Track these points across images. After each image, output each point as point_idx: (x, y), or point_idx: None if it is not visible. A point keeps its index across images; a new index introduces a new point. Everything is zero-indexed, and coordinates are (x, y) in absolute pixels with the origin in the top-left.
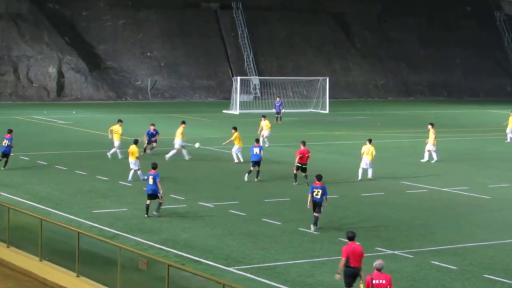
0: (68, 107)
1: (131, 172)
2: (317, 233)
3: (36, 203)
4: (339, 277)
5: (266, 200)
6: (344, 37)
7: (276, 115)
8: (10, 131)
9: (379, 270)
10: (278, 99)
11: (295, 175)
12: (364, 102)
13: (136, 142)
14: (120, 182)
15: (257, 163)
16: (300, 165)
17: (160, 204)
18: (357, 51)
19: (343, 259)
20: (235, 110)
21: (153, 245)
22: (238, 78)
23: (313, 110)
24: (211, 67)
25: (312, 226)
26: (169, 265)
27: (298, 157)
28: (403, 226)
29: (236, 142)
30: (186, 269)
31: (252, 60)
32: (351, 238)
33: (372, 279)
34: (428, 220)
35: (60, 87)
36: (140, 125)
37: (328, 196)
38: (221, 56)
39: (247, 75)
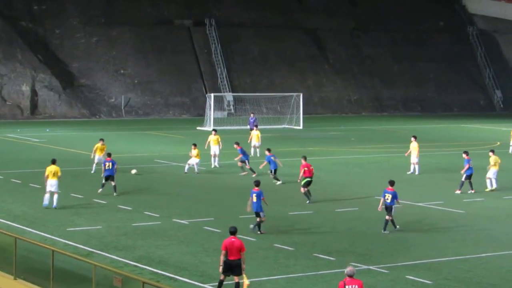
0: (42, 125)
1: (47, 196)
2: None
3: (10, 221)
4: (221, 269)
5: (241, 217)
6: (318, 52)
7: (251, 131)
8: None
9: (350, 276)
10: (252, 115)
11: (307, 192)
12: (338, 117)
13: (54, 161)
14: (95, 200)
15: (274, 170)
16: (309, 179)
17: (262, 222)
18: (331, 66)
19: (223, 252)
20: (209, 127)
21: (128, 262)
22: (212, 94)
23: (287, 126)
24: (184, 84)
25: (384, 229)
26: (144, 283)
27: (303, 171)
28: (378, 241)
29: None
30: (161, 286)
31: (226, 77)
32: (232, 232)
33: (345, 284)
34: (403, 235)
35: (34, 105)
36: (114, 143)
37: (398, 199)
38: (195, 73)
39: (220, 92)
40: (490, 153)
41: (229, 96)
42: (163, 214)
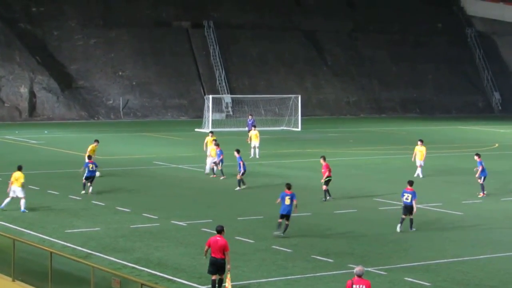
0: (40, 127)
1: (8, 200)
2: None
3: (9, 223)
4: (205, 259)
5: (239, 218)
6: (316, 54)
7: (249, 132)
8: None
9: (359, 276)
10: (250, 117)
11: (326, 191)
12: (336, 119)
13: (20, 168)
14: (93, 202)
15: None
16: (329, 178)
17: (287, 226)
18: (329, 68)
19: (206, 247)
20: (208, 129)
21: (126, 264)
22: (210, 96)
23: (285, 128)
24: (183, 86)
25: (398, 227)
26: (142, 284)
27: (327, 171)
28: (376, 243)
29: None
30: None
31: (224, 79)
32: (218, 231)
33: (352, 283)
34: (401, 237)
35: (32, 107)
36: (112, 145)
37: (416, 198)
38: (193, 75)
39: (219, 94)
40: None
41: (227, 98)
42: (161, 216)
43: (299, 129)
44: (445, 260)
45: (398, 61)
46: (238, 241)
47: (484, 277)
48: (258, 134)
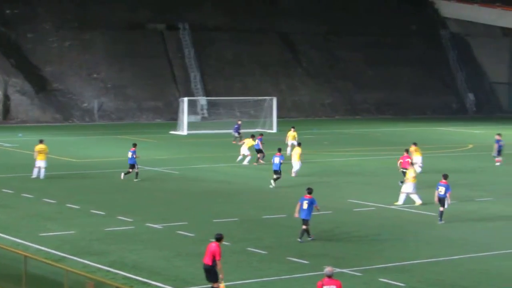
0: (14, 130)
1: None
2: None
3: None
4: None
5: (214, 221)
6: (291, 56)
7: (235, 136)
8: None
9: (329, 276)
10: (239, 122)
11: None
12: (311, 121)
13: None
14: (67, 205)
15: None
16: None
17: (305, 230)
18: (304, 70)
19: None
20: (183, 131)
21: (100, 267)
22: (185, 99)
23: (260, 130)
24: (158, 88)
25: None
26: (117, 287)
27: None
28: (351, 244)
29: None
30: None
31: (199, 81)
32: (216, 238)
33: (323, 284)
34: (376, 238)
35: (6, 109)
36: (87, 148)
37: (450, 191)
38: (168, 77)
39: (194, 96)
40: (409, 166)
41: (202, 100)
42: (136, 219)
43: (274, 131)
44: (420, 261)
45: (372, 63)
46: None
47: (458, 277)
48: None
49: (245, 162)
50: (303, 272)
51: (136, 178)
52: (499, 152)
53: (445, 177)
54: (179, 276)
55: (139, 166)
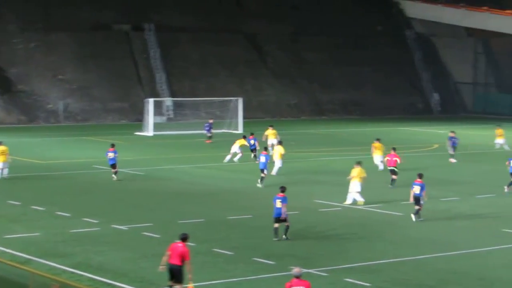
0: None
1: None
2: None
3: None
4: (160, 268)
5: (180, 222)
6: (257, 57)
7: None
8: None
9: (298, 277)
10: (210, 121)
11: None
12: (277, 121)
13: None
14: (32, 207)
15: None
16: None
17: (288, 227)
18: (270, 71)
19: (166, 253)
20: (148, 132)
21: (66, 269)
22: (151, 99)
23: (226, 131)
24: (123, 89)
25: (413, 216)
26: None
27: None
28: (318, 244)
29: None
30: None
31: (165, 82)
32: (181, 239)
33: (291, 285)
34: (342, 238)
35: None
36: (52, 149)
37: (425, 190)
38: (133, 78)
39: (159, 97)
40: (355, 165)
41: (168, 101)
42: (101, 220)
43: (240, 131)
44: (386, 261)
45: (338, 64)
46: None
47: (424, 277)
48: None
49: (236, 159)
50: (269, 273)
51: (115, 177)
52: (454, 149)
53: (420, 176)
54: (145, 278)
55: (104, 168)
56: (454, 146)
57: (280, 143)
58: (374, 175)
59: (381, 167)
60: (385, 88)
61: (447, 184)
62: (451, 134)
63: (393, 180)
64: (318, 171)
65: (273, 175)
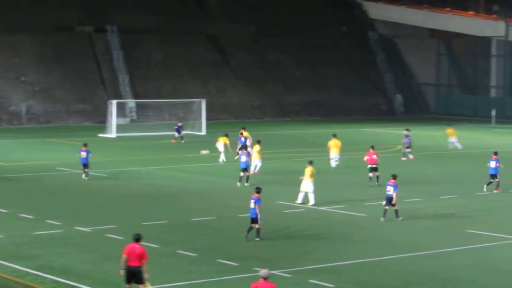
0: None
1: None
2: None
3: None
4: (122, 272)
5: (143, 224)
6: (220, 58)
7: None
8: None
9: (265, 279)
10: (179, 123)
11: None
12: (241, 123)
13: None
14: None
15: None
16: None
17: (259, 229)
18: (233, 72)
19: (124, 257)
20: (111, 134)
21: (29, 271)
22: (114, 101)
23: (190, 132)
24: (86, 91)
25: (382, 218)
26: None
27: (366, 158)
28: (281, 245)
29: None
30: None
31: (128, 83)
32: (136, 239)
33: (257, 287)
34: (306, 239)
35: None
36: (15, 151)
37: (397, 191)
38: (97, 80)
39: (123, 98)
40: (308, 165)
41: (131, 102)
42: (65, 222)
43: (204, 133)
44: (349, 262)
45: (301, 65)
46: (143, 246)
47: (388, 277)
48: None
49: (220, 160)
50: (233, 274)
51: (87, 177)
52: (409, 147)
53: (394, 177)
54: (108, 280)
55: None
56: (410, 143)
57: (258, 142)
58: (338, 176)
59: (333, 164)
60: (348, 89)
61: (410, 185)
62: (406, 133)
63: (376, 177)
64: (281, 172)
65: (255, 174)
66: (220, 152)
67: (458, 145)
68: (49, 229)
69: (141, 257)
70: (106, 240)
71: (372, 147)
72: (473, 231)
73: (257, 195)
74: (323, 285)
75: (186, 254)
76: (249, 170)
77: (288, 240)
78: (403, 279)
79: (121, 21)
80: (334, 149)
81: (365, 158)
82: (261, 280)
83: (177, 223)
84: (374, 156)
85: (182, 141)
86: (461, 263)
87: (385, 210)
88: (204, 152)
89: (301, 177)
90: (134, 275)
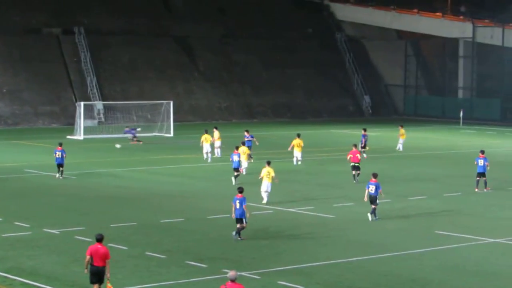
0: None
1: None
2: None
3: None
4: (86, 271)
5: (112, 225)
6: (187, 60)
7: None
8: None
9: (233, 280)
10: (128, 128)
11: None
12: (209, 124)
13: None
14: None
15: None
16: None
17: (243, 228)
18: (200, 74)
19: (87, 257)
20: (80, 136)
21: None
22: (82, 103)
23: (157, 134)
24: (54, 93)
25: (369, 216)
26: None
27: (349, 157)
28: (250, 247)
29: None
30: None
31: (96, 85)
32: (98, 240)
33: None
34: (274, 241)
35: None
36: None
37: (381, 189)
38: (64, 82)
39: (90, 100)
40: (266, 165)
41: (99, 104)
42: (33, 224)
43: (172, 135)
44: (318, 263)
45: (269, 67)
46: (111, 248)
47: (356, 279)
48: (218, 135)
49: (209, 160)
50: (201, 276)
51: (61, 176)
52: (364, 146)
53: (375, 176)
54: (77, 282)
55: (36, 172)
56: (365, 143)
57: (243, 144)
58: (306, 177)
59: (294, 162)
60: (316, 91)
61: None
62: (363, 132)
63: (358, 175)
64: (248, 174)
65: (243, 174)
66: (210, 152)
67: (400, 147)
68: (18, 231)
69: (105, 257)
70: (74, 242)
71: (355, 145)
72: (441, 232)
73: (240, 195)
74: (292, 287)
75: (154, 256)
76: (241, 167)
77: (256, 241)
78: (372, 280)
79: (88, 22)
80: (297, 148)
81: (348, 156)
82: (229, 282)
83: (146, 225)
84: (358, 155)
85: (140, 142)
86: (430, 264)
87: (373, 209)
88: (118, 146)
89: (260, 177)
90: (98, 274)
